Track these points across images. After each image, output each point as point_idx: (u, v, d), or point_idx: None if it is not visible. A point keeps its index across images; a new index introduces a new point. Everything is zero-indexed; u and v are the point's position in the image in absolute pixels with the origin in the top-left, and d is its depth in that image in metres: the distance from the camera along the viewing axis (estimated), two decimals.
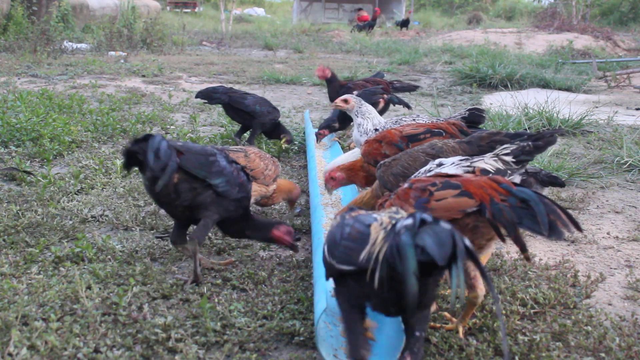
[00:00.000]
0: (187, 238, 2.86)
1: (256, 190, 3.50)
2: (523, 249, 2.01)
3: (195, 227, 2.81)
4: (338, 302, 2.02)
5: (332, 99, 6.22)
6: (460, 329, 2.43)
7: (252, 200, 3.54)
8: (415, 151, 3.17)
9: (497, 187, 2.10)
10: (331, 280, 2.76)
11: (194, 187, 2.70)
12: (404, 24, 25.45)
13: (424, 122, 4.13)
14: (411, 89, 6.16)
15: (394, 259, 1.67)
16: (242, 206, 2.92)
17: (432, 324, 2.49)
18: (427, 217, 1.71)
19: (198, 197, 2.73)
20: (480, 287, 2.37)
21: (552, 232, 1.91)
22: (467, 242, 1.67)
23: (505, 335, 2.37)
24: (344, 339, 2.38)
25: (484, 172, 2.64)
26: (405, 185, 2.41)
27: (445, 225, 1.68)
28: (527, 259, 2.07)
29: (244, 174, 2.94)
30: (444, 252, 1.60)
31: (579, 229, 1.99)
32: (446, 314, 2.57)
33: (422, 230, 1.67)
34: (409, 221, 1.71)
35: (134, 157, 2.53)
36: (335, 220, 2.09)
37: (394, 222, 1.80)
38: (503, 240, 2.08)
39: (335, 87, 6.09)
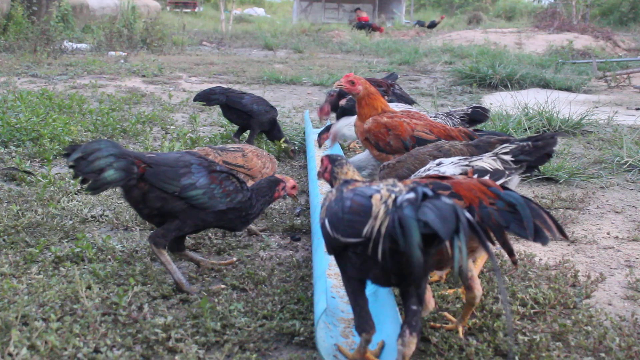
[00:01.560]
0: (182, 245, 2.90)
1: None
2: (510, 253, 2.01)
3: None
4: (342, 276, 2.08)
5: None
6: (460, 329, 2.43)
7: None
8: (422, 153, 3.13)
9: (486, 190, 2.09)
10: (330, 281, 2.78)
11: (163, 197, 2.66)
12: (432, 25, 25.02)
13: (431, 117, 4.09)
14: (408, 102, 6.06)
15: (396, 232, 1.69)
16: (227, 218, 2.82)
17: (432, 323, 2.49)
18: (428, 191, 1.74)
19: (167, 206, 2.67)
20: (478, 288, 2.38)
21: (537, 236, 1.93)
22: (469, 216, 1.69)
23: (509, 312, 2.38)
24: (344, 339, 2.38)
25: (482, 171, 2.63)
26: None
27: (447, 200, 1.70)
28: (515, 262, 2.08)
29: (231, 183, 2.81)
30: (447, 227, 1.62)
31: (563, 235, 2.01)
32: (446, 314, 2.57)
33: (423, 204, 1.69)
34: (412, 195, 1.74)
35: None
36: (332, 194, 2.10)
37: (394, 195, 1.83)
38: (492, 242, 2.05)
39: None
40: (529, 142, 2.73)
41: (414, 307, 1.97)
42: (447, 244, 1.68)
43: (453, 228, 1.63)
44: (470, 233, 1.68)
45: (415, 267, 1.67)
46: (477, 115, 4.16)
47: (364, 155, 4.05)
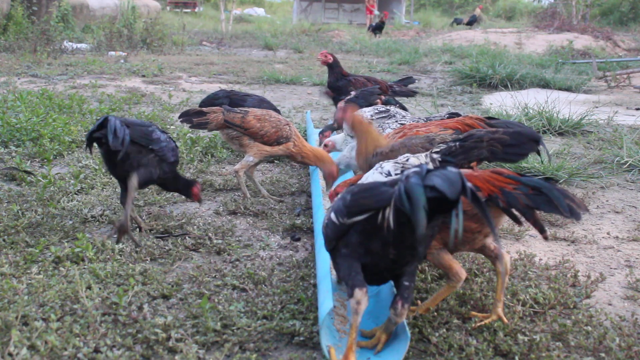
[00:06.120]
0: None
1: (258, 149, 4.05)
2: (542, 230, 2.12)
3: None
4: (338, 269, 2.19)
5: (330, 85, 6.15)
6: (500, 308, 2.47)
7: (258, 158, 4.09)
8: (414, 144, 3.16)
9: (505, 179, 2.20)
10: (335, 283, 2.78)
11: (140, 151, 3.24)
12: (471, 22, 24.42)
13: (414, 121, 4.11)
14: (409, 94, 6.09)
15: (402, 199, 1.83)
16: (174, 168, 3.50)
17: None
18: (432, 167, 1.93)
19: (142, 160, 3.26)
20: (505, 254, 2.48)
21: (572, 213, 2.04)
22: (471, 185, 1.83)
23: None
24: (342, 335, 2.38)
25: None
26: None
27: (453, 169, 1.85)
28: (546, 238, 2.19)
29: (173, 142, 3.48)
30: (454, 188, 1.76)
31: (586, 209, 2.13)
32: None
33: (430, 173, 1.85)
34: (417, 168, 1.91)
35: (95, 140, 3.11)
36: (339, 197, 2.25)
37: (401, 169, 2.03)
38: (519, 223, 2.22)
39: (337, 74, 6.06)
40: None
41: (406, 283, 2.15)
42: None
43: (459, 189, 1.76)
44: (473, 201, 1.81)
45: (420, 230, 1.76)
46: None
47: (342, 153, 4.09)
